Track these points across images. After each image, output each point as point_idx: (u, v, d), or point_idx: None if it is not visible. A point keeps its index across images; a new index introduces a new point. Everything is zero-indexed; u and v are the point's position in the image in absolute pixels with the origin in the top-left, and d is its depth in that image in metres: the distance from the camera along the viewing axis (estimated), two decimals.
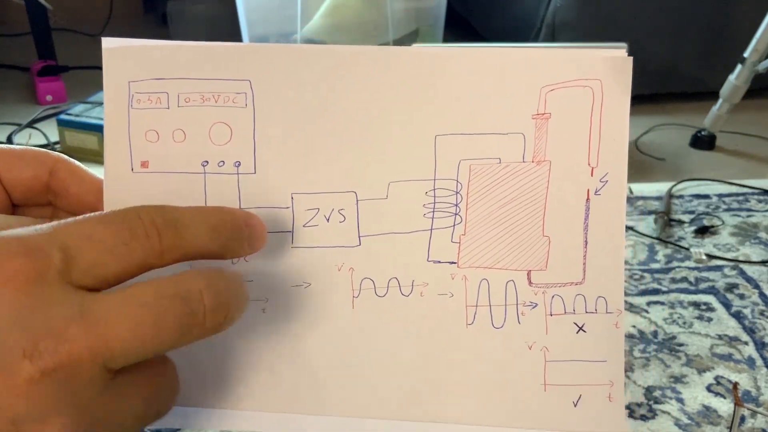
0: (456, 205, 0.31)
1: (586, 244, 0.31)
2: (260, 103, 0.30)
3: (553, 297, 0.31)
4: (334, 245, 0.31)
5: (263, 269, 0.30)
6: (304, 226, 0.31)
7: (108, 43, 0.30)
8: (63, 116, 1.11)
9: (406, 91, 0.30)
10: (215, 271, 0.24)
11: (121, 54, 0.30)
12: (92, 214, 0.22)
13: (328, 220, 0.31)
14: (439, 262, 0.31)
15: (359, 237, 0.31)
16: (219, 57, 0.30)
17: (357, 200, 0.31)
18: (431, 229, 0.31)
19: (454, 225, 0.31)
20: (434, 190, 0.31)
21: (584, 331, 0.31)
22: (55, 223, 0.21)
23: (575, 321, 0.31)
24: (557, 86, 0.30)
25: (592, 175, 0.31)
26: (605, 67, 0.30)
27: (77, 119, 1.10)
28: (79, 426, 0.20)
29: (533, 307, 0.31)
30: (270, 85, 0.30)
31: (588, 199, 0.31)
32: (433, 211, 0.31)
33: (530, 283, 0.31)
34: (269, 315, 0.31)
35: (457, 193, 0.31)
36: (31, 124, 1.20)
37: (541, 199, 0.31)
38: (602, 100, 0.31)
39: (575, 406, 0.31)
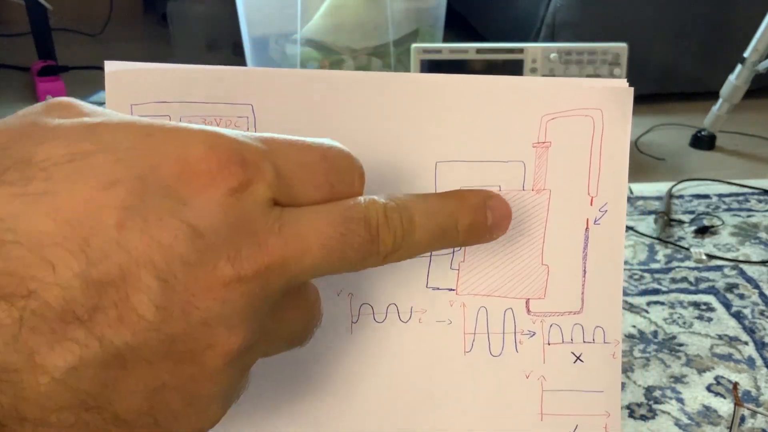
0: None
1: (585, 273, 0.31)
2: (262, 128, 0.30)
3: (551, 326, 0.31)
4: None
5: None
6: None
7: (111, 66, 0.29)
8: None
9: (408, 117, 0.30)
10: (396, 201, 0.24)
11: (124, 77, 0.29)
12: (310, 141, 0.23)
13: None
14: (438, 288, 0.31)
15: None
16: (221, 81, 0.29)
17: None
18: (430, 256, 0.31)
19: (453, 252, 0.31)
20: None
21: (582, 361, 0.31)
22: (270, 137, 0.22)
23: (573, 350, 0.31)
24: (558, 115, 0.30)
25: (591, 205, 0.31)
26: (606, 97, 0.30)
27: None
28: (253, 338, 0.20)
29: (531, 336, 0.31)
30: (272, 109, 0.30)
31: (587, 228, 0.31)
32: None
33: (528, 311, 0.31)
34: None
35: None
36: None
37: (540, 227, 0.31)
38: (603, 130, 0.31)
39: None
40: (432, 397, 0.31)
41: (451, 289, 0.31)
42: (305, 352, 0.30)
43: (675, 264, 0.76)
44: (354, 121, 0.30)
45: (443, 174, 0.30)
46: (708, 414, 0.55)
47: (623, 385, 0.57)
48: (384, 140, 0.30)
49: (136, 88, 0.29)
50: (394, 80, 0.30)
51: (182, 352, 0.19)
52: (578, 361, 0.31)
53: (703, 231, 0.83)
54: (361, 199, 0.23)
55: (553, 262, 0.31)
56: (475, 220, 0.26)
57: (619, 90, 0.30)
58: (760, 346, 0.63)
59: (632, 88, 0.30)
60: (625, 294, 0.70)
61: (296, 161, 0.22)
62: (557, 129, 0.30)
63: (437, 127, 0.30)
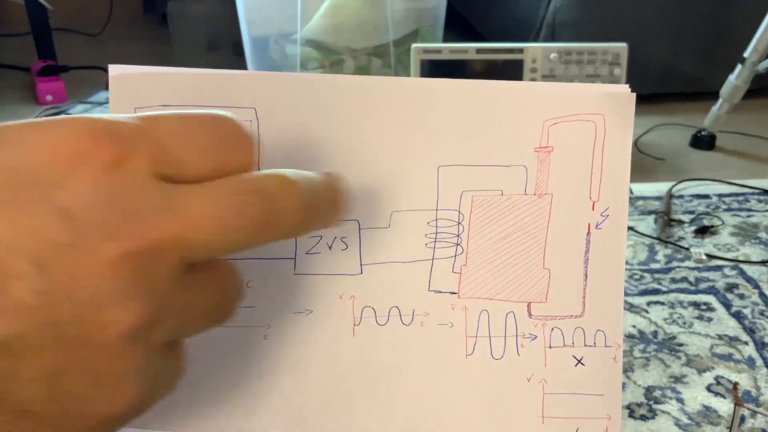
0: (458, 236, 0.31)
1: (586, 277, 0.31)
2: (265, 131, 0.30)
3: (552, 329, 0.31)
4: (336, 273, 0.31)
5: (265, 296, 0.30)
6: (306, 253, 0.31)
7: (114, 70, 0.30)
8: (63, 116, 1.11)
9: (411, 121, 0.30)
10: (300, 174, 0.23)
11: (128, 81, 0.30)
12: (193, 112, 0.22)
13: (330, 247, 0.31)
14: (440, 292, 0.31)
15: (361, 265, 0.31)
16: (224, 84, 0.30)
17: (359, 228, 0.31)
18: (432, 259, 0.31)
19: (455, 255, 0.31)
20: (436, 220, 0.31)
21: (583, 365, 0.31)
22: (150, 114, 0.21)
23: (574, 354, 0.31)
24: (560, 120, 0.30)
25: (593, 209, 0.31)
26: (608, 102, 0.31)
27: None
28: (152, 313, 0.20)
29: (532, 339, 0.31)
30: (275, 113, 0.30)
31: (589, 233, 0.31)
32: (435, 241, 0.31)
33: (530, 315, 0.31)
34: (271, 341, 0.31)
35: (458, 223, 0.31)
36: None
37: (542, 231, 0.31)
38: (605, 135, 0.31)
39: None
40: (433, 400, 0.31)
41: (453, 293, 0.31)
42: (308, 354, 0.30)
43: (675, 264, 0.76)
44: (357, 125, 0.30)
45: (445, 178, 0.31)
46: (708, 414, 0.55)
47: (623, 385, 0.57)
48: (386, 144, 0.30)
49: (140, 92, 0.30)
50: (397, 85, 0.30)
51: (75, 335, 0.19)
52: (579, 364, 0.31)
53: (703, 231, 0.82)
54: (257, 172, 0.22)
55: (554, 266, 0.31)
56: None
57: (620, 95, 0.31)
58: (760, 346, 0.63)
59: (634, 94, 0.31)
60: (625, 294, 0.70)
61: (178, 132, 0.21)
62: (559, 134, 0.30)
63: (440, 131, 0.30)
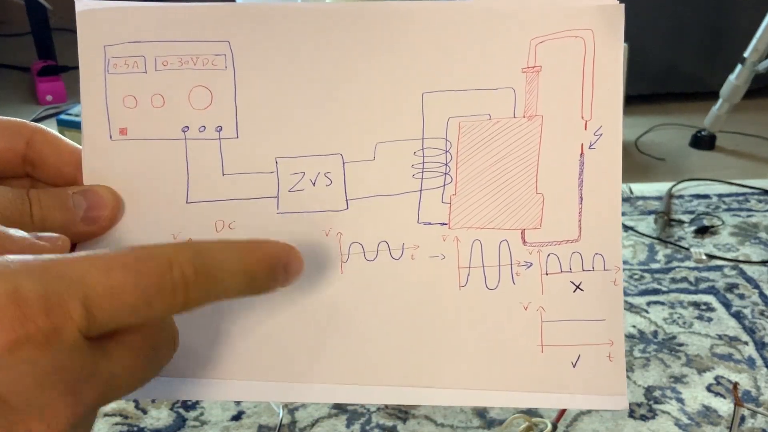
0: (446, 165, 0.30)
1: (582, 200, 0.30)
2: (240, 65, 0.29)
3: (548, 256, 0.30)
4: (321, 210, 0.30)
5: (248, 236, 0.29)
6: (289, 191, 0.30)
7: (82, 6, 0.29)
8: (63, 116, 1.11)
9: (391, 48, 0.29)
10: (204, 244, 0.23)
11: (96, 17, 0.29)
12: (121, 253, 0.21)
13: (314, 184, 0.30)
14: (430, 223, 0.30)
15: (347, 200, 0.30)
16: (196, 18, 0.29)
17: (343, 163, 0.30)
18: (420, 190, 0.30)
19: (444, 185, 0.30)
20: (423, 149, 0.30)
21: (581, 290, 0.30)
22: (76, 258, 0.20)
23: (572, 280, 0.30)
24: (547, 38, 0.29)
25: (585, 129, 0.30)
26: (596, 17, 0.29)
27: (77, 119, 1.10)
28: (77, 409, 0.20)
29: (528, 267, 0.30)
30: (250, 45, 0.29)
31: (582, 153, 0.30)
32: (422, 172, 0.30)
33: (524, 242, 0.30)
34: None
35: (446, 152, 0.30)
36: None
37: (533, 155, 0.30)
38: (594, 51, 0.30)
39: (574, 366, 0.30)
40: (428, 335, 0.30)
41: (443, 224, 0.30)
42: (296, 294, 0.30)
43: (675, 264, 0.76)
44: (335, 53, 0.29)
45: (430, 105, 0.30)
46: (708, 414, 0.55)
47: None
48: (367, 74, 0.29)
49: (110, 28, 0.29)
50: (373, 10, 0.29)
51: None
52: (578, 290, 0.30)
53: (703, 231, 0.83)
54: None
55: (548, 190, 0.30)
56: (270, 274, 0.25)
57: (609, 8, 0.30)
58: (760, 346, 0.63)
59: (623, 5, 0.30)
60: (625, 294, 0.70)
61: (109, 290, 0.20)
62: (547, 52, 0.30)
63: (422, 56, 0.29)
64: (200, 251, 0.22)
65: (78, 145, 0.29)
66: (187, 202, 0.30)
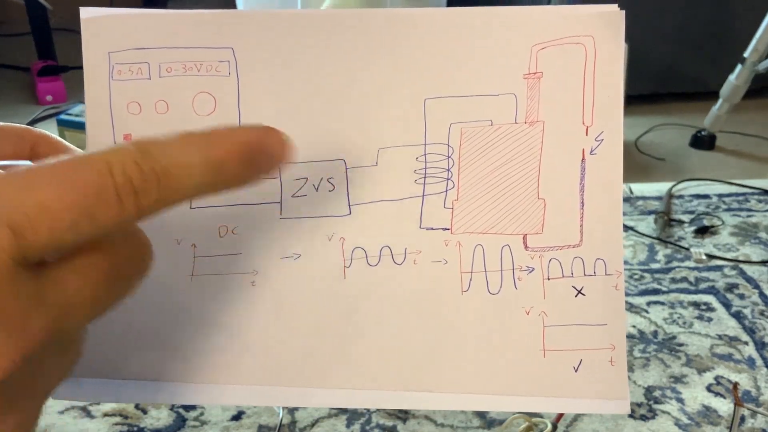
0: (448, 170, 0.30)
1: (583, 205, 0.30)
2: (244, 71, 0.29)
3: (550, 261, 0.30)
4: (324, 215, 0.30)
5: (251, 242, 0.30)
6: (292, 196, 0.30)
7: (86, 13, 0.29)
8: (63, 116, 1.11)
9: (393, 54, 0.29)
10: (151, 140, 0.19)
11: (101, 24, 0.29)
12: (48, 165, 0.18)
13: (317, 189, 0.30)
14: (432, 228, 0.30)
15: (349, 206, 0.30)
16: (200, 25, 0.29)
17: (346, 168, 0.30)
18: (423, 195, 0.30)
19: (446, 190, 0.30)
20: (425, 155, 0.30)
21: (583, 295, 0.30)
22: (1, 183, 0.18)
23: (573, 284, 0.30)
24: (548, 44, 0.30)
25: (586, 135, 0.30)
26: (597, 23, 0.30)
27: (77, 119, 1.10)
28: (18, 347, 0.18)
29: (530, 272, 0.30)
30: (253, 52, 0.29)
31: (583, 159, 0.30)
32: (425, 177, 0.30)
33: (526, 247, 0.30)
34: (259, 288, 0.30)
35: (448, 157, 0.30)
36: (31, 124, 1.20)
37: (535, 160, 0.30)
38: (595, 57, 0.30)
39: (576, 371, 0.30)
40: (431, 339, 0.30)
41: (445, 229, 0.30)
42: (298, 300, 0.30)
43: (675, 264, 0.76)
44: (337, 60, 0.29)
45: (432, 111, 0.30)
46: (708, 414, 0.55)
47: None
48: (369, 80, 0.30)
49: (114, 35, 0.29)
50: (375, 17, 0.29)
51: None
52: (580, 294, 0.30)
53: (703, 231, 0.82)
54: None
55: (549, 195, 0.30)
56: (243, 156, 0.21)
57: (610, 15, 0.30)
58: (760, 346, 0.63)
59: (623, 12, 0.30)
60: (626, 294, 0.70)
61: (39, 207, 0.17)
62: (548, 58, 0.30)
63: (424, 62, 0.29)
64: (146, 149, 0.19)
65: (82, 151, 0.29)
66: (190, 208, 0.30)
